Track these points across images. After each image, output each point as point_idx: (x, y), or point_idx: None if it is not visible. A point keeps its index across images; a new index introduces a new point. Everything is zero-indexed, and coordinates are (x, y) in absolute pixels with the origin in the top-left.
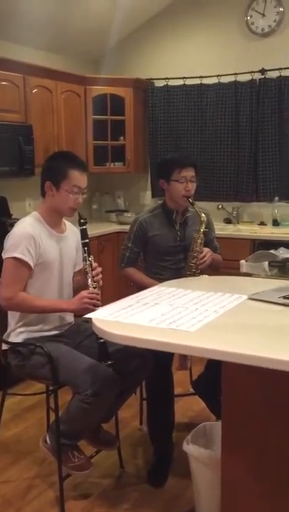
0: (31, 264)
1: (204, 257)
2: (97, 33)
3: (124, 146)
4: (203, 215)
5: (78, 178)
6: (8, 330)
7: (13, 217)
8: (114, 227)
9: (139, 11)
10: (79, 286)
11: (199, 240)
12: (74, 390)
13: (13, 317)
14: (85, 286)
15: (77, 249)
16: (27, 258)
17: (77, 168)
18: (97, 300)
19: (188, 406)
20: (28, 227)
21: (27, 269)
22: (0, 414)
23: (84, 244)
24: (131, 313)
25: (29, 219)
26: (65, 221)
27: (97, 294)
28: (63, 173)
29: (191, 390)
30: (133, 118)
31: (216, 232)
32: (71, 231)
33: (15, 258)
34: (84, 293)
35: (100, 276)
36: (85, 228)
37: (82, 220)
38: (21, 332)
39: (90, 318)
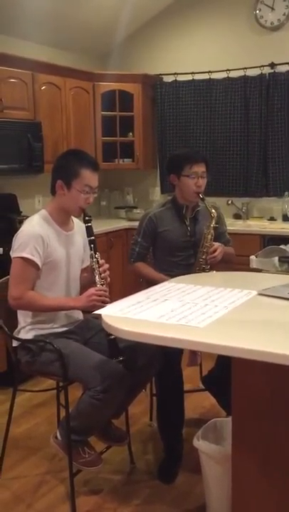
0: (39, 264)
1: (215, 251)
2: (105, 29)
3: (133, 142)
4: (213, 210)
5: (90, 178)
6: (18, 327)
7: (22, 214)
8: (124, 224)
9: (147, 6)
10: (86, 283)
11: (209, 236)
12: (84, 386)
13: (22, 315)
14: (93, 283)
15: (84, 245)
16: (35, 258)
17: (89, 168)
18: (106, 297)
19: (198, 402)
20: (37, 227)
21: (35, 268)
22: (11, 411)
23: (90, 242)
24: (140, 310)
25: (37, 218)
26: (73, 218)
27: (105, 291)
28: (75, 172)
29: (201, 386)
30: (142, 114)
31: (226, 228)
32: (78, 228)
33: (23, 258)
34: (92, 290)
35: (108, 273)
36: (91, 225)
37: (87, 218)
38: (31, 329)
39: (100, 315)
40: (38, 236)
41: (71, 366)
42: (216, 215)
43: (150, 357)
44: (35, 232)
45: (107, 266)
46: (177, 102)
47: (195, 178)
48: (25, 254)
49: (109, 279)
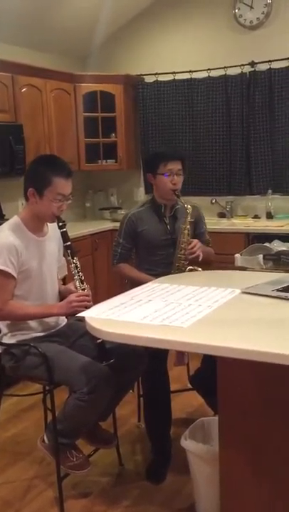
0: (14, 274)
1: (193, 247)
2: (84, 30)
3: (115, 142)
4: (188, 206)
5: (63, 186)
6: (1, 334)
7: (5, 217)
8: (108, 225)
9: (126, 6)
10: (65, 292)
11: (186, 231)
12: (70, 388)
13: (4, 322)
14: (74, 290)
15: (59, 246)
16: (10, 269)
17: (61, 175)
18: (88, 301)
19: (186, 401)
20: (10, 237)
21: (11, 279)
22: None
23: (66, 247)
24: (124, 311)
25: (8, 226)
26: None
27: (87, 295)
28: (47, 180)
29: (189, 386)
30: (124, 114)
31: (211, 227)
32: (53, 232)
33: None
34: (72, 296)
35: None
36: (65, 231)
37: (60, 223)
38: (14, 335)
39: (83, 317)
40: (12, 246)
41: (56, 369)
42: (191, 210)
43: (135, 358)
44: (9, 242)
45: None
46: (159, 102)
47: (170, 175)
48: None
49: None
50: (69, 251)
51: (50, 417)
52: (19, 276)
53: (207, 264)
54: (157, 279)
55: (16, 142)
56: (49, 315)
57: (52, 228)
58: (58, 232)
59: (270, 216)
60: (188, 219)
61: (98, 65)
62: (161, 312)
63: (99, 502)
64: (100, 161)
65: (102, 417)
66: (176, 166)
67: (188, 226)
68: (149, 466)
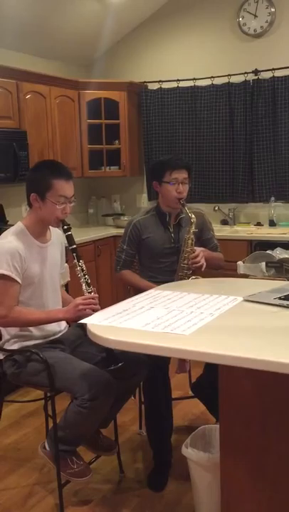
0: (18, 279)
1: (196, 256)
2: (89, 38)
3: (119, 149)
4: (193, 216)
5: (64, 188)
6: (3, 340)
7: (9, 223)
8: (111, 231)
9: (130, 14)
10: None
11: (190, 241)
12: (71, 395)
13: (6, 328)
14: (81, 293)
15: (61, 252)
16: (14, 275)
17: (61, 177)
18: (95, 304)
19: (187, 409)
20: (13, 242)
21: (16, 284)
22: None
23: (72, 251)
24: (126, 318)
25: (12, 232)
26: (51, 227)
27: (93, 298)
28: (48, 183)
29: (191, 393)
30: (127, 121)
31: (213, 233)
32: (56, 238)
33: (2, 275)
34: (78, 300)
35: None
36: (71, 234)
37: (65, 227)
38: (16, 341)
39: (86, 324)
40: (15, 251)
41: (58, 376)
42: (195, 220)
43: (136, 365)
44: (12, 248)
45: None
46: (162, 109)
47: (176, 184)
48: (3, 271)
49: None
50: (75, 254)
51: (51, 424)
52: (22, 282)
53: (216, 270)
54: (159, 286)
55: (20, 148)
56: (55, 320)
57: (55, 235)
58: (60, 239)
59: (272, 224)
60: (192, 229)
61: (102, 72)
62: (163, 319)
63: (99, 510)
64: (103, 167)
65: (103, 423)
66: (181, 174)
67: (192, 236)
68: (150, 474)
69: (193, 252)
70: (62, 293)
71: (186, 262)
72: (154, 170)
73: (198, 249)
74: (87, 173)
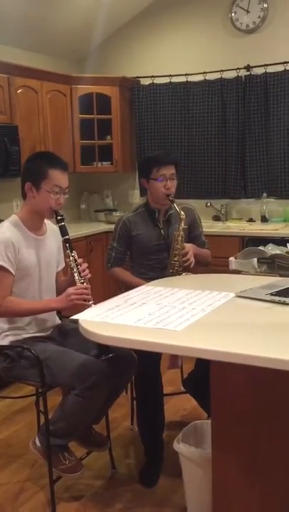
0: (12, 270)
1: (186, 253)
2: (81, 32)
3: (111, 145)
4: (182, 212)
5: (59, 178)
6: None
7: (0, 218)
8: (103, 227)
9: (123, 9)
10: (65, 286)
11: (179, 238)
12: (69, 386)
13: None
14: (73, 283)
15: (59, 248)
16: (7, 265)
17: (57, 168)
18: (87, 294)
19: (179, 405)
20: (7, 233)
21: (9, 274)
22: None
23: (65, 241)
24: (118, 314)
25: (6, 224)
26: (46, 221)
27: (86, 289)
28: (43, 173)
29: (182, 389)
30: (120, 117)
31: (205, 230)
32: (52, 231)
33: None
34: (70, 289)
35: (87, 271)
36: (64, 225)
37: (59, 217)
38: (7, 335)
39: (78, 319)
40: (9, 242)
41: (54, 369)
42: (184, 216)
43: (124, 361)
44: (5, 238)
45: (86, 265)
46: (155, 105)
47: (163, 180)
48: None
49: (90, 275)
50: (67, 245)
51: (43, 420)
52: (16, 273)
53: (204, 266)
54: (151, 282)
55: (11, 143)
56: (48, 309)
57: (51, 228)
58: (57, 235)
59: (264, 220)
60: (182, 225)
61: (94, 67)
62: (155, 315)
63: (91, 505)
64: (95, 163)
65: (95, 419)
66: (169, 170)
67: (181, 232)
68: (141, 470)
69: (183, 249)
70: (60, 279)
71: (176, 258)
72: (141, 167)
73: (188, 246)
74: (79, 169)
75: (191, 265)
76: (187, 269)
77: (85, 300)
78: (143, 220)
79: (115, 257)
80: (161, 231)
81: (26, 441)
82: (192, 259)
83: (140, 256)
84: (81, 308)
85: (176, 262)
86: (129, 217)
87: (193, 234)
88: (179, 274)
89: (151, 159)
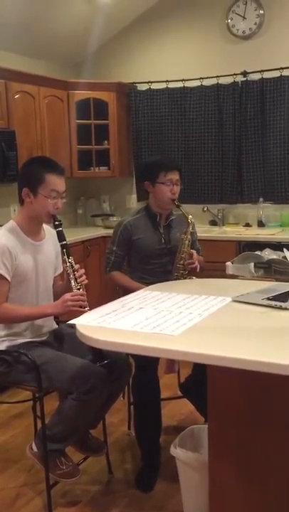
0: (8, 277)
1: (192, 256)
2: (78, 38)
3: (108, 150)
4: (190, 216)
5: (56, 182)
6: None
7: None
8: (100, 232)
9: (120, 15)
10: (62, 291)
11: (187, 242)
12: (67, 390)
13: None
14: (69, 289)
15: (57, 253)
16: (3, 271)
17: (53, 172)
18: (83, 301)
19: (176, 409)
20: (2, 239)
21: (4, 281)
22: None
23: (62, 246)
24: (115, 318)
25: (2, 230)
26: (44, 226)
27: (82, 295)
28: (40, 177)
29: (179, 393)
30: (117, 122)
31: (202, 235)
32: (50, 236)
33: None
34: (67, 295)
35: (84, 277)
36: (61, 230)
37: (56, 222)
38: (4, 340)
39: (74, 324)
40: (5, 249)
41: (50, 373)
42: (193, 220)
43: (120, 368)
44: (1, 245)
45: (82, 271)
46: (151, 110)
47: (170, 185)
48: None
49: (86, 281)
50: (64, 250)
51: (40, 425)
52: (13, 279)
53: (198, 272)
54: (149, 287)
55: (8, 148)
56: (44, 315)
57: (49, 233)
58: (56, 237)
59: (261, 224)
60: (190, 229)
61: (91, 73)
62: (151, 320)
63: (88, 510)
64: (92, 168)
65: (92, 424)
66: (175, 176)
67: (189, 236)
68: (138, 475)
69: (189, 253)
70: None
71: (182, 262)
72: (146, 170)
73: (192, 252)
74: (76, 174)
75: (197, 269)
76: (192, 273)
77: (81, 306)
78: (144, 224)
79: (114, 261)
80: (163, 235)
81: (23, 446)
82: (197, 263)
83: (140, 260)
84: (77, 314)
85: (181, 265)
86: (130, 220)
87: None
88: (185, 278)
89: (159, 163)
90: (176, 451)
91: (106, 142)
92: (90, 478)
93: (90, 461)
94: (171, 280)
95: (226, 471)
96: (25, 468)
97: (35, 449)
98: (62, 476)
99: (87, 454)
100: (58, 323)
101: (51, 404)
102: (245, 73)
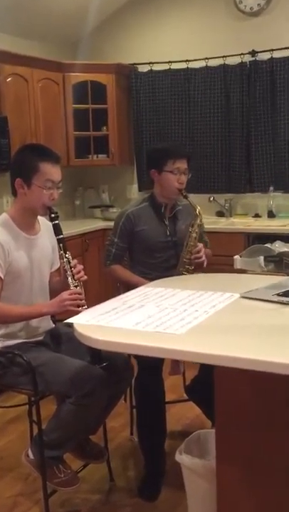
0: (1, 275)
1: (199, 251)
2: (74, 16)
3: (107, 136)
4: (198, 207)
5: (51, 171)
6: None
7: None
8: (99, 224)
9: None
10: (59, 287)
11: (194, 234)
12: (64, 393)
13: None
14: (66, 286)
15: (53, 248)
16: None
17: (49, 161)
18: (81, 300)
19: (182, 413)
20: None
21: None
22: None
23: (59, 241)
24: (115, 317)
25: None
26: (40, 218)
27: (80, 294)
28: (33, 167)
29: (185, 396)
30: (116, 106)
31: (208, 226)
32: (46, 230)
33: None
34: (64, 294)
35: (82, 273)
36: (58, 223)
37: (52, 215)
38: None
39: (72, 323)
40: None
41: (47, 376)
42: (201, 212)
43: (120, 370)
44: None
45: (81, 267)
46: (153, 93)
47: (177, 174)
48: None
49: (85, 277)
50: (61, 245)
51: (36, 430)
52: (7, 276)
53: (205, 267)
54: (151, 283)
55: (0, 136)
56: (39, 315)
57: (45, 226)
58: (51, 233)
59: (271, 215)
60: (198, 222)
61: (88, 54)
62: (154, 318)
63: None
64: (90, 155)
65: (92, 429)
66: (183, 164)
67: (196, 229)
68: (141, 483)
69: (196, 247)
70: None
71: (188, 256)
72: (153, 157)
73: (200, 245)
74: (72, 162)
75: (204, 264)
76: (198, 268)
77: (78, 306)
78: (148, 215)
79: (115, 254)
80: (168, 227)
81: (19, 453)
82: (204, 257)
83: (143, 253)
84: (75, 313)
85: (187, 260)
86: (133, 210)
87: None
88: (191, 273)
89: (167, 150)
90: (182, 458)
91: (105, 128)
92: (89, 486)
93: (90, 469)
94: (176, 275)
95: (235, 478)
96: (21, 477)
97: (31, 456)
98: (60, 484)
99: (87, 461)
100: (54, 323)
101: (48, 408)
102: (253, 53)
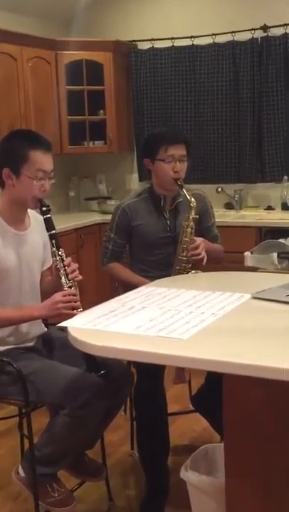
0: None
1: (196, 248)
2: None
3: (104, 121)
4: (192, 200)
5: (42, 160)
6: None
7: None
8: (96, 218)
9: None
10: (50, 287)
11: (189, 229)
12: (58, 404)
13: None
14: (59, 286)
15: (44, 243)
16: None
17: (39, 148)
18: (75, 301)
19: (187, 425)
20: None
21: None
22: None
23: (51, 237)
24: (113, 320)
25: None
26: (30, 212)
27: (74, 295)
28: (23, 155)
29: (191, 407)
30: (114, 88)
31: (216, 220)
32: (36, 224)
33: None
34: (57, 296)
35: (77, 272)
36: (50, 217)
37: (44, 208)
38: None
39: (66, 327)
40: None
41: (39, 385)
42: (195, 204)
43: (118, 380)
44: None
45: (75, 266)
46: (155, 73)
47: (171, 162)
48: None
49: (80, 277)
50: (54, 241)
51: (27, 445)
52: None
53: (216, 263)
54: (153, 282)
55: None
56: (29, 318)
57: (35, 221)
58: (43, 227)
59: (286, 207)
60: (192, 215)
61: (83, 30)
62: (157, 321)
63: None
64: (86, 142)
65: (88, 444)
66: (178, 151)
67: (191, 223)
68: (143, 502)
69: (193, 243)
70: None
71: (184, 253)
72: (145, 145)
73: (199, 240)
74: (66, 150)
75: (203, 262)
76: (197, 267)
77: (73, 308)
78: (146, 208)
79: (112, 251)
80: (168, 221)
81: (9, 470)
82: (203, 253)
83: (141, 250)
84: (68, 316)
85: (183, 257)
86: (129, 203)
87: (204, 225)
88: (187, 272)
89: (158, 136)
90: (188, 475)
91: (102, 112)
92: (86, 506)
93: (87, 487)
94: (173, 274)
95: (246, 497)
96: (11, 496)
97: (22, 473)
98: (54, 504)
99: (83, 478)
100: (46, 327)
101: (40, 421)
102: (265, 28)
